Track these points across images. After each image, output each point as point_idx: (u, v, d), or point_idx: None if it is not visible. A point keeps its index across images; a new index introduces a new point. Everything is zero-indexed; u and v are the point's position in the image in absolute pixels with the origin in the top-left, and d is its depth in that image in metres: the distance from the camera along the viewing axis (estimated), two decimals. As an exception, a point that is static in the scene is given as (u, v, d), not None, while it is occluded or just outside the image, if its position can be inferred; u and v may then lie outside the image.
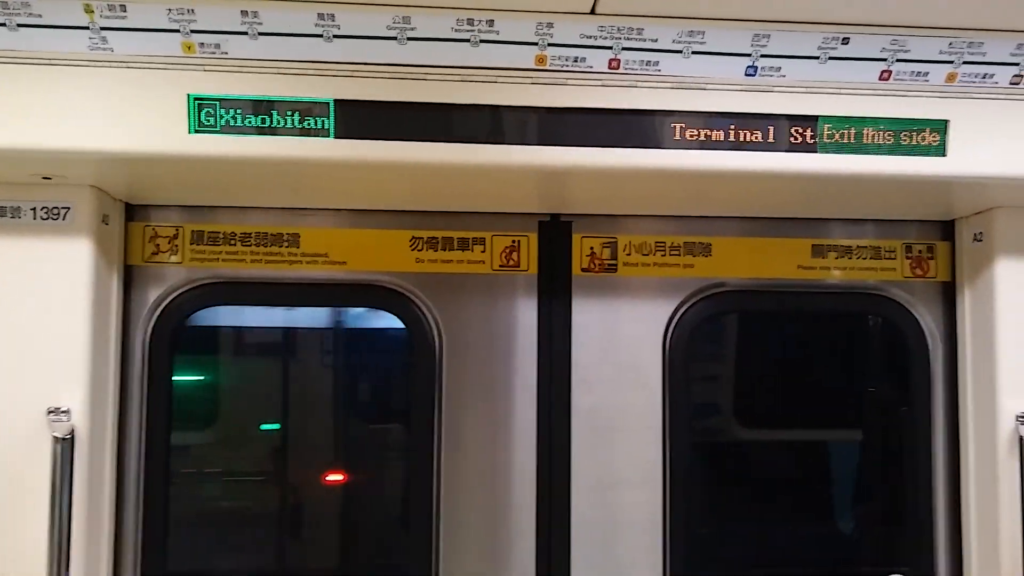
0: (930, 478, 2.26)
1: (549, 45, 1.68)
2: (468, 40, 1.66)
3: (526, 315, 2.22)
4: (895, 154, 1.81)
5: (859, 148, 1.80)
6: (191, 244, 2.15)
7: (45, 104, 1.64)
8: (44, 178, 1.85)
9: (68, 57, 1.63)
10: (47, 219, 1.90)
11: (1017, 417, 2.07)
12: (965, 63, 1.77)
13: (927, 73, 1.78)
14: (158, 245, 2.13)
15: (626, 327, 2.23)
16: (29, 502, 1.83)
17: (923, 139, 1.81)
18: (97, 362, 1.94)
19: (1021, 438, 2.05)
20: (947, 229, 2.31)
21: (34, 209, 1.90)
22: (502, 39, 1.66)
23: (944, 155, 1.82)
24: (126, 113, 1.65)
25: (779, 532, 2.75)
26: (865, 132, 1.80)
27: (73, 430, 1.85)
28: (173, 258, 2.14)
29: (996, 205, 2.12)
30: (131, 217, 2.13)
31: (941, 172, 1.83)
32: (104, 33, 1.61)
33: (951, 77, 1.78)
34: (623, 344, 2.23)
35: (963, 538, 2.23)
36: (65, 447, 1.82)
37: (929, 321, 2.29)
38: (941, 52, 1.75)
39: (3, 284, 1.87)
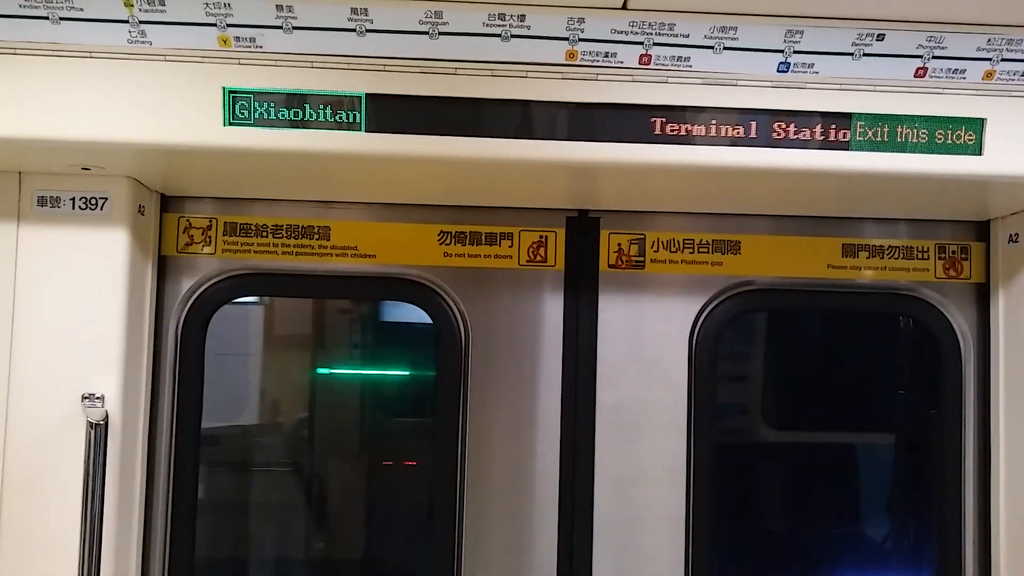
0: (960, 482, 2.23)
1: (580, 40, 1.68)
2: (499, 35, 1.67)
3: (552, 311, 2.22)
4: (930, 153, 1.78)
5: (893, 146, 1.78)
6: (224, 235, 2.18)
7: (85, 96, 1.67)
8: (83, 169, 1.89)
9: (108, 50, 1.66)
10: (85, 209, 1.94)
11: None
12: (1003, 60, 1.73)
13: (964, 70, 1.75)
14: (192, 236, 2.17)
15: (652, 324, 2.23)
16: (62, 486, 1.87)
17: (959, 138, 1.78)
18: (131, 350, 1.97)
19: None
20: (982, 229, 2.27)
21: (72, 199, 1.94)
22: (533, 34, 1.67)
23: (980, 154, 1.79)
24: (163, 105, 1.68)
25: (804, 533, 2.73)
26: (899, 130, 1.77)
27: (107, 416, 1.88)
28: (206, 249, 2.17)
29: None
30: (166, 208, 2.17)
31: (977, 171, 1.80)
32: (143, 27, 1.64)
33: (989, 75, 1.75)
34: (649, 341, 2.22)
35: (992, 542, 2.19)
36: (99, 432, 1.86)
37: (962, 323, 2.26)
38: (979, 49, 1.72)
39: (41, 272, 1.91)
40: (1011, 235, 2.16)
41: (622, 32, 1.67)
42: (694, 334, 2.23)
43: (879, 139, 1.77)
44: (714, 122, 1.75)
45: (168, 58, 1.67)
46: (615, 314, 2.22)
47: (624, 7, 1.63)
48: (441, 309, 2.21)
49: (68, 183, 1.92)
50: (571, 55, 1.70)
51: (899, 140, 1.77)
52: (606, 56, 1.70)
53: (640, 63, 1.72)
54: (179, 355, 2.15)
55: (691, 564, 2.17)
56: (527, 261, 2.22)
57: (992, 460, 2.20)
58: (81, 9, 1.61)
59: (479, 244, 2.22)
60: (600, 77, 1.73)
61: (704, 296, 2.23)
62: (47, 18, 1.62)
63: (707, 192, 2.05)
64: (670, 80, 1.74)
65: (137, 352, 2.02)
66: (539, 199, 2.17)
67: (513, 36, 1.67)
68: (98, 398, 1.87)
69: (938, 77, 1.75)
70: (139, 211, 2.01)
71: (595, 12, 1.64)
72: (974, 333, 2.25)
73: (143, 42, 1.65)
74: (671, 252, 2.24)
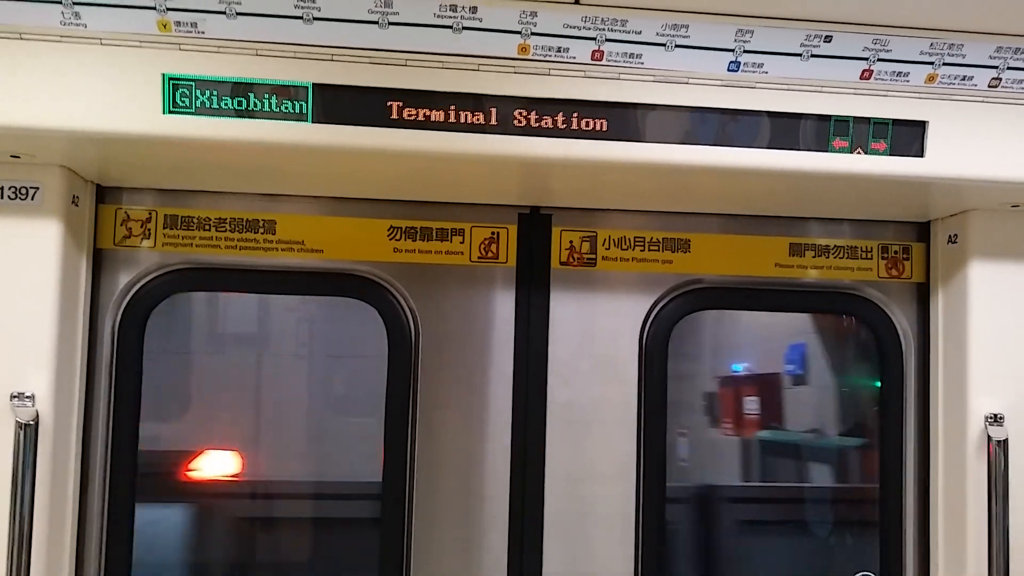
0: (900, 478, 2.28)
1: (532, 34, 1.67)
2: (451, 27, 1.64)
3: (504, 307, 2.21)
4: (874, 154, 1.82)
5: (839, 147, 1.81)
6: (164, 228, 2.11)
7: (14, 80, 1.59)
8: (12, 156, 1.81)
9: (39, 32, 1.59)
10: (15, 199, 1.85)
11: (986, 418, 2.09)
12: (945, 64, 1.78)
13: (908, 73, 1.79)
14: (130, 228, 2.09)
15: (603, 321, 2.23)
16: None
17: (902, 139, 1.82)
18: (63, 347, 1.89)
19: (989, 438, 2.08)
20: (923, 231, 2.33)
21: (1, 189, 1.85)
22: (485, 27, 1.65)
23: (922, 156, 1.83)
24: (98, 91, 1.62)
25: (748, 531, 2.77)
26: (845, 131, 1.80)
27: (37, 416, 1.81)
28: (145, 242, 2.10)
29: (971, 207, 2.14)
30: (102, 199, 2.09)
31: (919, 173, 1.85)
32: (77, 8, 1.57)
33: (931, 78, 1.80)
34: (600, 338, 2.22)
35: (931, 538, 2.25)
36: (28, 433, 1.78)
37: (903, 321, 2.31)
38: (922, 53, 1.76)
39: None
40: (950, 236, 2.22)
41: (575, 27, 1.66)
42: (644, 332, 2.24)
43: (825, 139, 1.80)
44: (664, 119, 1.75)
45: (104, 42, 1.60)
46: (566, 311, 2.22)
47: (577, 2, 1.63)
48: (391, 306, 2.18)
49: None
50: (523, 49, 1.69)
51: (845, 141, 1.81)
52: (558, 51, 1.69)
53: (592, 59, 1.71)
54: (116, 352, 2.07)
55: (641, 560, 2.18)
56: (478, 258, 2.20)
57: (931, 453, 2.26)
58: None
59: (430, 240, 2.19)
60: (552, 72, 1.72)
61: (654, 294, 2.25)
62: None
63: (658, 190, 2.06)
64: (622, 77, 1.73)
65: (70, 349, 1.94)
66: (491, 195, 2.15)
67: (465, 28, 1.64)
68: (28, 397, 1.80)
69: (883, 79, 1.79)
70: (73, 202, 1.93)
71: (548, 6, 1.63)
72: (915, 331, 2.31)
73: (77, 24, 1.58)
74: (622, 250, 2.24)
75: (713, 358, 3.02)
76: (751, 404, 2.96)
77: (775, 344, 2.86)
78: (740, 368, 3.04)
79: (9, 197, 1.85)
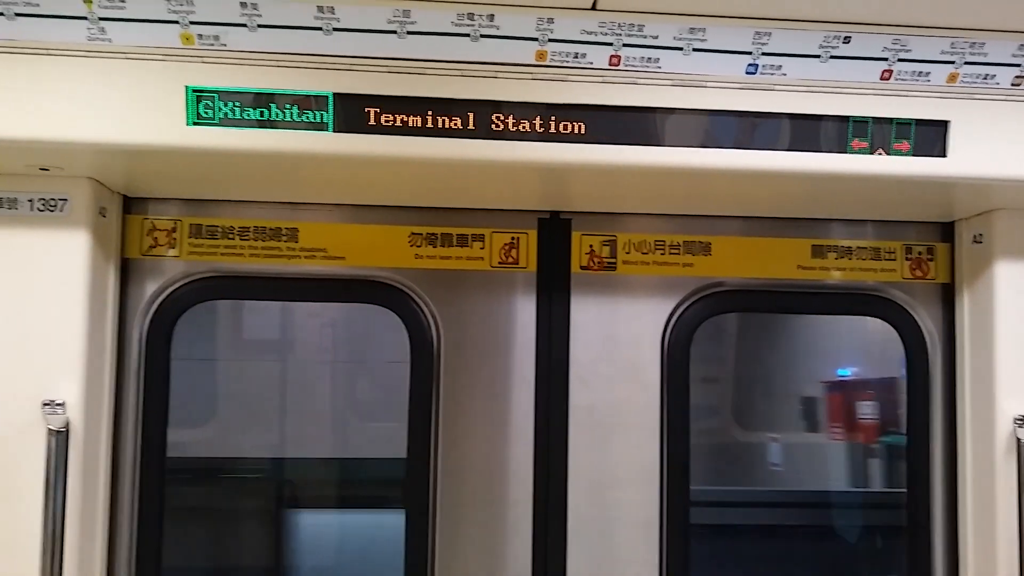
0: (928, 480, 2.26)
1: (549, 41, 1.67)
2: (468, 35, 1.65)
3: (525, 312, 2.21)
4: (896, 154, 1.80)
5: (860, 148, 1.79)
6: (189, 238, 2.14)
7: (43, 95, 1.63)
8: (41, 169, 1.85)
9: (66, 47, 1.62)
10: (44, 211, 1.89)
11: (1015, 419, 2.06)
12: (967, 64, 1.76)
13: (928, 73, 1.77)
14: (156, 238, 2.13)
15: (624, 325, 2.23)
16: (23, 495, 1.82)
17: (924, 140, 1.80)
18: (93, 355, 1.93)
19: (1019, 440, 2.05)
20: (947, 231, 2.30)
21: (31, 200, 1.89)
22: (502, 34, 1.66)
23: (945, 156, 1.81)
24: (124, 104, 1.65)
25: (774, 533, 2.76)
26: (866, 132, 1.79)
27: (68, 423, 1.84)
28: (171, 252, 2.13)
29: (996, 207, 2.11)
30: (129, 210, 2.12)
31: (941, 173, 1.83)
32: (103, 23, 1.60)
33: (952, 77, 1.78)
34: (621, 342, 2.22)
35: (959, 541, 2.22)
36: (60, 440, 1.82)
37: (928, 322, 2.28)
38: (943, 52, 1.74)
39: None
40: (975, 236, 2.19)
41: (592, 33, 1.67)
42: (666, 335, 2.23)
43: (846, 141, 1.79)
44: (683, 123, 1.75)
45: (129, 56, 1.64)
46: (587, 316, 2.22)
47: (594, 8, 1.63)
48: (412, 312, 2.19)
49: (26, 184, 1.87)
50: (541, 55, 1.69)
51: (865, 142, 1.79)
52: (576, 57, 1.70)
53: (610, 64, 1.71)
54: (144, 360, 2.11)
55: (665, 566, 2.18)
56: (499, 263, 2.21)
57: (959, 456, 2.23)
58: (37, 5, 1.57)
59: (451, 246, 2.20)
60: (570, 78, 1.72)
61: (676, 297, 2.24)
62: (2, 14, 1.58)
63: (678, 193, 2.06)
64: (640, 81, 1.74)
65: (99, 357, 1.97)
66: (510, 200, 2.16)
67: (482, 36, 1.66)
68: (59, 404, 1.83)
69: (903, 80, 1.77)
70: (101, 213, 1.97)
71: (565, 12, 1.63)
72: (940, 333, 2.28)
73: (103, 39, 1.62)
74: (643, 253, 2.24)
75: (812, 362, 2.98)
76: (865, 408, 2.91)
77: (885, 349, 2.77)
78: (847, 373, 3.00)
79: (39, 209, 1.89)
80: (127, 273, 2.11)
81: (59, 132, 1.64)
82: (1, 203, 1.88)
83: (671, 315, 2.24)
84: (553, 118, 1.73)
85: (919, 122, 1.80)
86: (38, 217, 1.89)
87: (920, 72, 1.77)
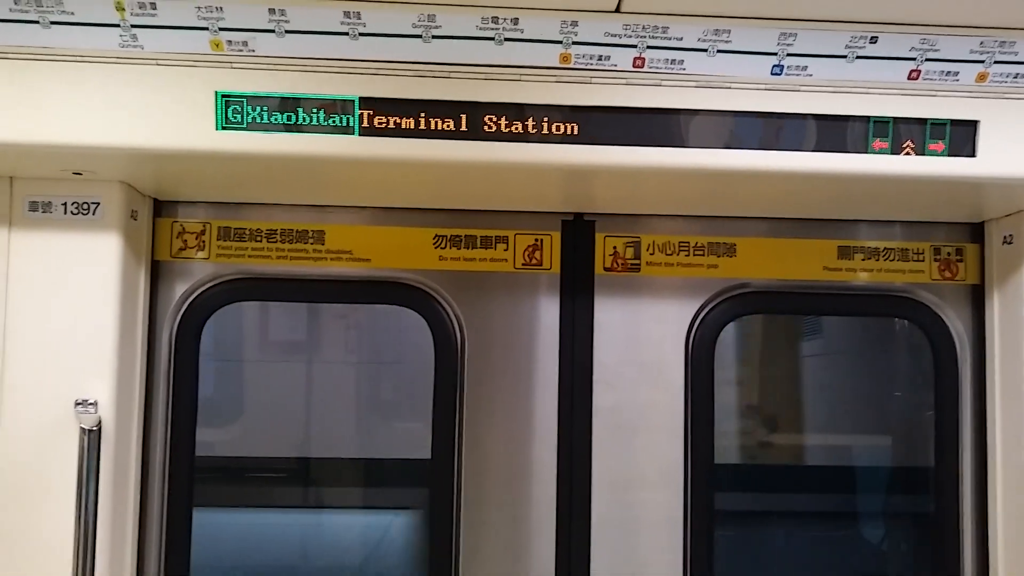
0: (957, 484, 2.23)
1: (574, 43, 1.68)
2: (493, 38, 1.66)
3: (548, 314, 2.21)
4: (924, 155, 1.78)
5: (887, 149, 1.78)
6: (218, 240, 2.17)
7: (76, 100, 1.66)
8: (75, 173, 1.88)
9: (99, 54, 1.65)
10: (77, 214, 1.93)
11: None
12: (996, 63, 1.74)
13: (957, 73, 1.75)
14: (185, 241, 2.16)
15: (648, 327, 2.22)
16: (56, 492, 1.86)
17: (953, 140, 1.78)
18: (124, 355, 1.97)
19: None
20: (976, 231, 2.28)
21: (64, 204, 1.93)
22: (527, 37, 1.66)
23: (974, 156, 1.79)
24: (155, 109, 1.68)
25: (801, 536, 2.73)
26: (893, 133, 1.77)
27: (100, 422, 1.87)
28: (200, 254, 2.17)
29: None
30: (159, 213, 2.16)
31: (971, 173, 1.81)
32: (135, 31, 1.63)
33: (982, 77, 1.76)
34: (645, 344, 2.22)
35: (989, 545, 2.19)
36: (92, 438, 1.85)
37: (957, 324, 2.26)
38: (972, 51, 1.72)
39: (34, 277, 1.91)
40: (1005, 236, 2.16)
41: (616, 35, 1.67)
42: (690, 337, 2.23)
43: (873, 142, 1.78)
44: (708, 125, 1.75)
45: (160, 62, 1.67)
46: (611, 317, 2.22)
47: (617, 10, 1.63)
48: (437, 313, 2.21)
49: (60, 188, 1.91)
50: (565, 58, 1.70)
51: (893, 143, 1.78)
52: (600, 59, 1.70)
53: (634, 66, 1.71)
54: (173, 360, 2.14)
55: (689, 568, 2.17)
56: (523, 264, 2.22)
57: (988, 460, 2.20)
58: (72, 13, 1.60)
59: (474, 247, 2.21)
60: (594, 80, 1.72)
61: (700, 299, 2.23)
62: (38, 22, 1.61)
63: (702, 195, 2.05)
64: (664, 83, 1.73)
65: (130, 358, 2.01)
66: (534, 202, 2.17)
67: (506, 39, 1.66)
68: (91, 404, 1.87)
69: (931, 79, 1.76)
70: (132, 216, 2.00)
71: (589, 15, 1.64)
72: (970, 335, 2.25)
73: (135, 46, 1.65)
74: (667, 255, 2.24)
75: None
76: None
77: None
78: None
79: (72, 212, 1.93)
80: (157, 275, 2.14)
81: (92, 137, 1.68)
82: (36, 207, 1.92)
83: (695, 316, 2.23)
84: (578, 120, 1.73)
85: (948, 122, 1.78)
86: (71, 220, 1.92)
87: (949, 72, 1.75)
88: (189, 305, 2.16)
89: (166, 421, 2.13)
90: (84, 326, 1.91)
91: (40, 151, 1.71)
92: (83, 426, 1.85)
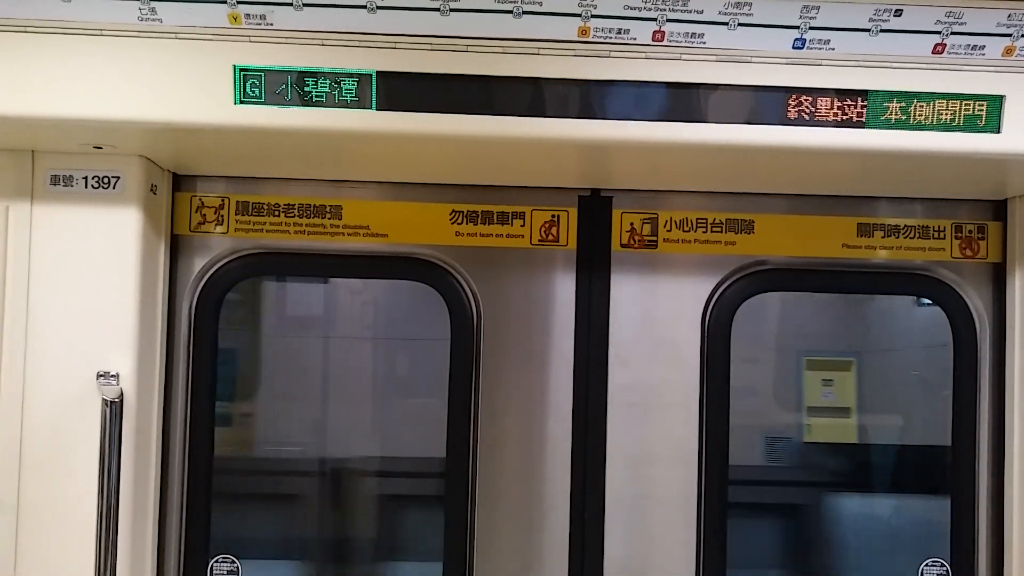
0: (974, 462, 2.22)
1: (592, 16, 1.66)
2: (511, 11, 1.65)
3: (565, 290, 2.21)
4: (947, 131, 1.76)
5: (910, 124, 1.75)
6: (236, 214, 2.18)
7: (96, 74, 1.67)
8: (95, 147, 1.90)
9: (118, 28, 1.66)
10: (97, 188, 1.94)
11: None
12: (1023, 36, 1.71)
13: (983, 47, 1.72)
14: (204, 215, 2.17)
15: (665, 304, 2.22)
16: (78, 464, 1.90)
17: (977, 115, 1.76)
18: (144, 328, 1.99)
19: None
20: (999, 209, 2.24)
21: (85, 178, 1.94)
22: (545, 10, 1.65)
23: (999, 132, 1.76)
24: (174, 84, 1.68)
25: (814, 513, 2.74)
26: (916, 108, 1.75)
27: (122, 394, 1.90)
28: (219, 228, 2.18)
29: None
30: (178, 187, 2.17)
31: (995, 150, 1.78)
32: (153, 4, 1.63)
33: (1008, 51, 1.72)
34: (661, 321, 2.22)
35: (1005, 526, 2.18)
36: (114, 410, 1.88)
37: (978, 303, 2.23)
38: (998, 25, 1.69)
39: (55, 251, 1.93)
40: None
41: (635, 8, 1.65)
42: (707, 314, 2.22)
43: (896, 117, 1.75)
44: (728, 99, 1.73)
45: (179, 36, 1.67)
46: (627, 294, 2.22)
47: None
48: (453, 289, 2.21)
49: (81, 162, 1.93)
50: (583, 32, 1.68)
51: (916, 118, 1.75)
52: (619, 32, 1.69)
53: (653, 39, 1.70)
54: (193, 333, 2.16)
55: (703, 544, 2.18)
56: (539, 240, 2.22)
57: (1006, 440, 2.19)
58: None
59: (491, 223, 2.21)
60: (613, 54, 1.71)
61: (717, 276, 2.22)
62: None
63: (721, 171, 2.04)
64: (684, 57, 1.72)
65: (151, 330, 2.03)
66: (551, 178, 2.16)
67: (525, 12, 1.65)
68: (113, 376, 1.89)
69: (956, 54, 1.73)
70: (151, 190, 2.02)
71: None
72: (991, 314, 2.23)
73: (154, 20, 1.65)
74: (684, 231, 2.23)
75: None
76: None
77: None
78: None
79: (92, 186, 1.94)
80: (176, 249, 2.16)
81: (112, 111, 1.69)
82: (57, 180, 1.94)
83: (712, 294, 2.22)
84: (596, 95, 1.72)
85: (972, 97, 1.75)
86: (92, 194, 1.94)
87: (974, 46, 1.72)
88: (208, 279, 2.17)
89: (186, 393, 2.15)
90: (105, 299, 1.94)
91: (60, 124, 1.72)
92: (105, 398, 1.87)
